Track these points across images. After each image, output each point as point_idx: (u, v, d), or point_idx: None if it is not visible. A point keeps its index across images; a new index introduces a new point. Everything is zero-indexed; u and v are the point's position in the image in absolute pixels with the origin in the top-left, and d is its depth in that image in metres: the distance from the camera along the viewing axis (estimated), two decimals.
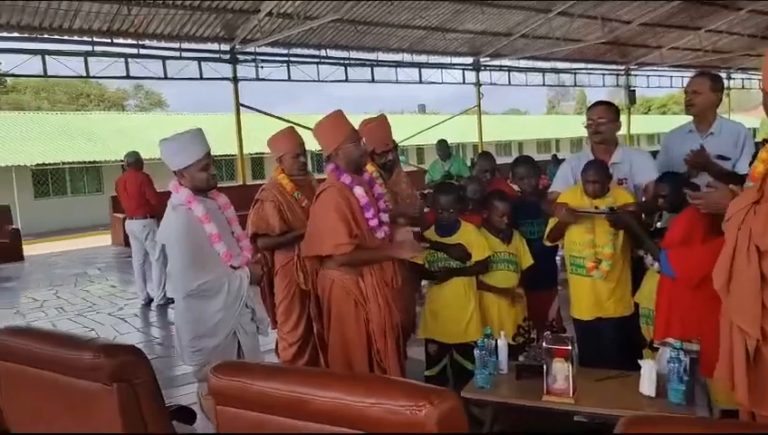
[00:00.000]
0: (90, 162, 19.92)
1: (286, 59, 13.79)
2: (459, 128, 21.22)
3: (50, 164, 18.78)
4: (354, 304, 3.08)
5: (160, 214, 3.35)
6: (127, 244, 8.76)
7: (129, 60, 11.77)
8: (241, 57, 13.03)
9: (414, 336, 3.77)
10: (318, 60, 14.27)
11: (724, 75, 21.39)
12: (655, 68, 21.33)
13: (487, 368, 2.95)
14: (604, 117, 3.59)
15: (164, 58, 12.30)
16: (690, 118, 3.74)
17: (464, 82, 17.53)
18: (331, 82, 14.79)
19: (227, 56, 12.81)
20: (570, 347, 2.69)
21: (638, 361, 2.80)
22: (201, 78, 12.90)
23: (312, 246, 3.14)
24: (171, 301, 6.65)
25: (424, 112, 35.90)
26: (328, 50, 14.03)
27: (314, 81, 14.54)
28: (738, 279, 2.07)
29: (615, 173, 3.55)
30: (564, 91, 55.54)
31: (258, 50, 12.93)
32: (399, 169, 4.12)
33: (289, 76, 14.05)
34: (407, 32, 13.87)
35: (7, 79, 32.17)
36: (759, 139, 5.67)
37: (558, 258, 4.22)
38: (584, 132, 3.70)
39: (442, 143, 9.17)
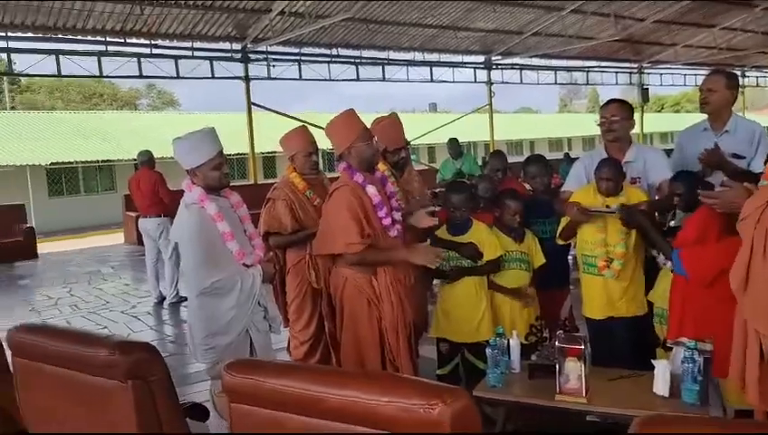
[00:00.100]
0: (103, 161, 20.05)
1: (297, 58, 13.84)
2: (471, 126, 21.13)
3: (64, 163, 18.90)
4: (367, 302, 3.07)
5: (173, 212, 3.37)
6: (140, 242, 8.85)
7: (142, 59, 11.88)
8: (252, 56, 13.10)
9: (425, 335, 3.77)
10: (329, 59, 14.30)
11: (738, 73, 21.17)
12: (668, 66, 21.16)
13: (499, 367, 2.94)
14: (617, 115, 3.56)
15: (176, 57, 12.39)
16: (705, 116, 3.70)
17: (475, 81, 17.49)
18: (343, 80, 14.83)
19: (239, 55, 12.88)
20: (582, 346, 2.67)
21: (652, 360, 2.79)
22: (213, 77, 12.98)
23: (323, 245, 3.14)
24: (184, 299, 6.69)
25: (435, 111, 35.79)
26: (339, 49, 14.06)
27: (325, 79, 14.58)
28: (754, 279, 2.05)
29: (628, 172, 3.53)
30: (576, 90, 55.35)
31: (270, 49, 12.99)
32: (411, 168, 4.11)
33: (300, 75, 14.09)
34: (418, 30, 13.85)
35: (22, 79, 32.62)
36: None
37: (570, 257, 4.20)
38: (596, 131, 3.67)
39: (453, 142, 9.16)
